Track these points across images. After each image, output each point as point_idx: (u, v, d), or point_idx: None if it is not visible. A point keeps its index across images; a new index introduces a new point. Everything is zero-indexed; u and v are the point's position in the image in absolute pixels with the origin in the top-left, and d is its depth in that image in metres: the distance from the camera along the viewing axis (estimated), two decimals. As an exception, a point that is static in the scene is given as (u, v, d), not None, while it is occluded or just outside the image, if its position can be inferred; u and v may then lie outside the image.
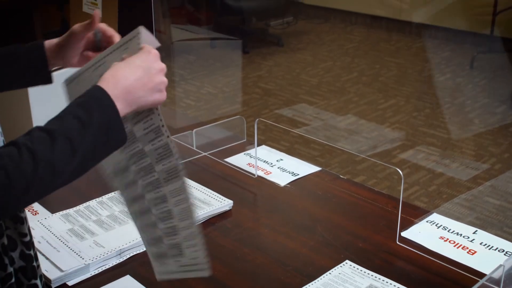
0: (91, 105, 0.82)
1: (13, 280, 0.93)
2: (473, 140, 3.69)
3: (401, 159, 3.38)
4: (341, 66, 5.11)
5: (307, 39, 5.91)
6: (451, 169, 3.31)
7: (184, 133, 1.65)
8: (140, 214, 1.00)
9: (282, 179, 1.49)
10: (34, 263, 0.96)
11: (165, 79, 0.93)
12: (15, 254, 0.94)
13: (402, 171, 1.22)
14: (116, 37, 1.03)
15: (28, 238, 0.96)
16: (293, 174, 1.51)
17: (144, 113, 0.91)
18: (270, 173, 1.52)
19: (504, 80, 4.70)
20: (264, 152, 1.64)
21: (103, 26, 1.05)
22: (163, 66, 0.93)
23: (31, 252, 0.96)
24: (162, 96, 0.92)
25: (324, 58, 5.33)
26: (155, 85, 0.90)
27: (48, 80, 1.09)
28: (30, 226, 1.21)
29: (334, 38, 5.94)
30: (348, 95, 4.46)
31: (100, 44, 1.05)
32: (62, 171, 0.78)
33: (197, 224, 0.94)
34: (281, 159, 1.60)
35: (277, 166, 1.55)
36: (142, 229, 1.02)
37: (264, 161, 1.58)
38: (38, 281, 0.96)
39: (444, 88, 4.51)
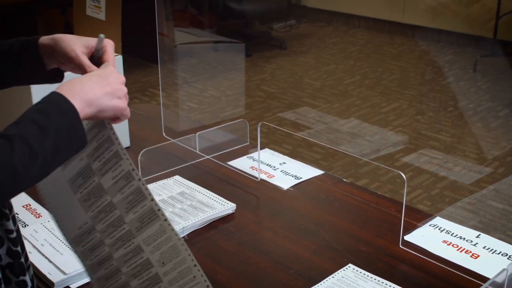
0: (49, 110, 0.82)
1: (0, 276, 0.93)
2: (476, 143, 3.69)
3: (404, 162, 3.38)
4: (343, 69, 5.11)
5: (309, 42, 5.91)
6: (454, 173, 3.31)
7: (187, 136, 1.65)
8: (105, 279, 0.93)
9: (285, 183, 1.48)
10: (22, 260, 0.97)
11: (124, 88, 0.91)
12: (2, 251, 0.95)
13: (405, 174, 1.22)
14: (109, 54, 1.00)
15: (14, 235, 0.96)
16: (296, 177, 1.51)
17: (111, 158, 0.87)
18: (273, 176, 1.52)
19: (507, 84, 4.70)
20: (267, 155, 1.64)
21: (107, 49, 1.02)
22: (122, 77, 0.91)
23: (18, 248, 0.96)
24: (122, 103, 0.90)
25: (326, 61, 5.34)
26: (113, 90, 0.89)
27: (51, 78, 1.07)
28: (34, 229, 1.21)
29: (337, 41, 5.94)
30: (350, 98, 4.46)
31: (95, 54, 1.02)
32: (24, 175, 0.78)
33: (192, 258, 0.87)
34: (284, 163, 1.60)
35: (280, 170, 1.55)
36: None
37: (267, 164, 1.58)
38: (27, 278, 0.96)
39: (447, 92, 4.51)
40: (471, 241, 1.26)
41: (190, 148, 1.63)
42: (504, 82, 4.72)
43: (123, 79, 0.91)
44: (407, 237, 1.25)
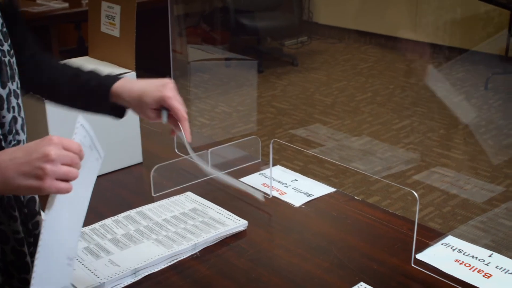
0: None
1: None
2: (488, 161, 3.68)
3: (415, 180, 3.37)
4: (355, 86, 5.12)
5: (321, 58, 5.93)
6: (466, 191, 3.30)
7: (200, 152, 1.65)
8: None
9: (296, 200, 1.49)
10: (28, 259, 1.00)
11: (48, 167, 0.85)
12: (7, 248, 1.00)
13: (416, 192, 1.22)
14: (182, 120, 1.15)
15: (21, 235, 1.01)
16: (308, 194, 1.51)
17: None
18: (285, 193, 1.52)
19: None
20: (279, 172, 1.64)
21: (175, 105, 1.15)
22: (51, 153, 0.86)
23: (24, 248, 1.00)
24: (39, 184, 0.85)
25: (338, 78, 5.35)
26: (31, 170, 0.85)
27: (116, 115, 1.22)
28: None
29: (348, 58, 5.96)
30: (362, 115, 4.46)
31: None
32: None
33: None
34: (296, 180, 1.60)
35: (291, 187, 1.56)
36: None
37: (279, 181, 1.58)
38: (29, 276, 0.98)
39: (458, 109, 4.50)
40: (484, 260, 1.25)
41: (202, 165, 1.63)
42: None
43: (51, 153, 0.86)
44: (419, 256, 1.24)
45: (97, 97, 1.18)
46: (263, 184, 1.56)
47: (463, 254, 1.27)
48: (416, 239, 1.24)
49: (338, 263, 1.23)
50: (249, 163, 1.69)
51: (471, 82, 5.28)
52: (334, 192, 1.54)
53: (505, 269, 1.22)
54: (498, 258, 1.26)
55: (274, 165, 1.62)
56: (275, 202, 1.48)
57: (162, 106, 1.15)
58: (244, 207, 1.46)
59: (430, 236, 1.33)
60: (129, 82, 1.18)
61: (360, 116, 4.45)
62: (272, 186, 1.54)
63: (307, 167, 3.56)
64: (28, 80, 1.15)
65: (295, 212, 1.45)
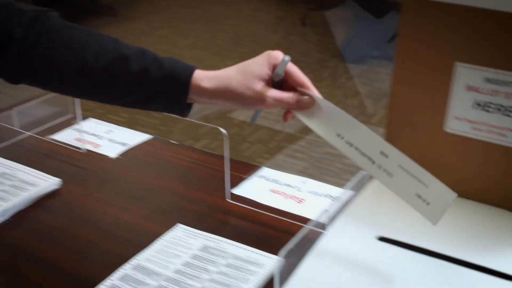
0: None
1: None
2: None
3: (242, 120, 3.44)
4: (177, 32, 5.07)
5: (141, 7, 5.80)
6: (287, 124, 3.41)
7: (4, 113, 1.55)
8: None
9: (112, 151, 1.45)
10: None
11: None
12: None
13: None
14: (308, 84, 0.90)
15: None
16: (124, 144, 1.48)
17: None
18: (100, 146, 1.48)
19: (335, 35, 4.90)
20: (92, 125, 1.58)
21: (293, 70, 0.91)
22: None
23: None
24: None
25: (159, 26, 5.27)
26: None
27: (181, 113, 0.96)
28: None
29: (168, 5, 5.88)
30: (186, 61, 4.45)
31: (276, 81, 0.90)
32: None
33: None
34: (111, 131, 1.55)
35: (106, 138, 1.51)
36: None
37: (93, 134, 1.53)
38: None
39: (278, 46, 4.62)
40: (297, 187, 1.30)
41: (8, 126, 1.54)
42: (331, 34, 4.91)
43: None
44: (235, 191, 1.26)
45: (163, 91, 0.93)
46: (76, 138, 1.50)
47: (278, 183, 1.31)
48: (233, 174, 1.26)
49: (157, 209, 1.22)
50: (61, 119, 1.61)
51: (289, 20, 5.43)
52: (152, 139, 1.52)
53: (316, 192, 1.28)
54: (311, 183, 1.32)
55: (86, 118, 1.56)
56: (90, 156, 1.44)
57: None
58: (57, 165, 1.39)
59: (246, 171, 1.35)
60: (206, 71, 0.95)
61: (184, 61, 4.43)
62: (86, 140, 1.49)
63: (135, 118, 3.50)
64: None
65: (111, 163, 1.41)
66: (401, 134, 0.84)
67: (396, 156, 0.74)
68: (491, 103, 0.76)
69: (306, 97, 0.85)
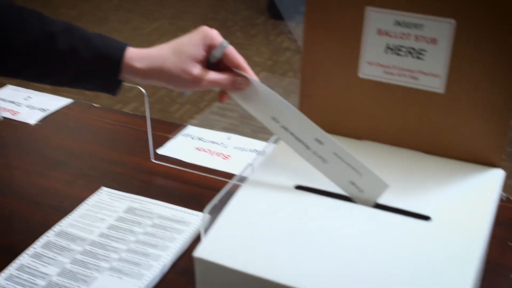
0: None
1: None
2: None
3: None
4: (100, -6, 4.94)
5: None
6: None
7: None
8: None
9: (31, 117, 1.40)
10: None
11: None
12: None
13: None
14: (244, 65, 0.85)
15: None
16: (43, 110, 1.43)
17: None
18: (18, 113, 1.43)
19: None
20: (10, 92, 1.53)
21: (230, 51, 0.86)
22: None
23: None
24: None
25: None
26: None
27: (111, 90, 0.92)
28: None
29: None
30: (111, 24, 4.34)
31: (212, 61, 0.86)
32: None
33: None
34: (30, 97, 1.50)
35: (25, 105, 1.46)
36: None
37: (10, 102, 1.48)
38: None
39: (203, 6, 4.56)
40: (223, 143, 1.29)
41: None
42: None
43: None
44: (160, 151, 1.25)
45: (93, 71, 0.87)
46: (-7, 107, 1.45)
47: (203, 141, 1.30)
48: (158, 135, 1.25)
49: (80, 173, 1.19)
50: (-24, 88, 1.55)
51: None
52: (72, 103, 1.48)
53: (242, 148, 1.28)
54: (236, 139, 1.32)
55: (4, 86, 1.51)
56: (8, 124, 1.39)
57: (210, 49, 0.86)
58: (-26, 135, 1.34)
59: (172, 130, 1.34)
60: (138, 49, 0.89)
61: (109, 24, 4.32)
62: (3, 107, 1.43)
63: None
64: None
65: (31, 130, 1.37)
66: (316, 83, 0.84)
67: (331, 144, 0.75)
68: (402, 46, 0.77)
69: (241, 78, 0.84)
